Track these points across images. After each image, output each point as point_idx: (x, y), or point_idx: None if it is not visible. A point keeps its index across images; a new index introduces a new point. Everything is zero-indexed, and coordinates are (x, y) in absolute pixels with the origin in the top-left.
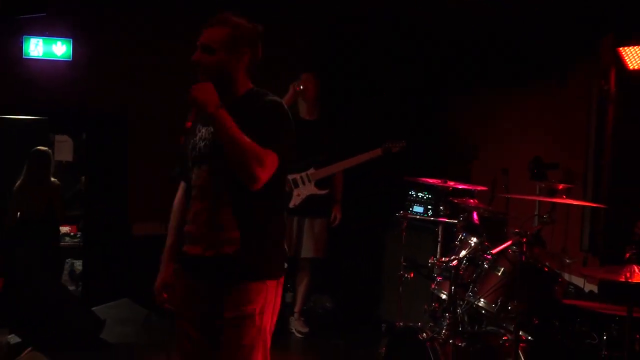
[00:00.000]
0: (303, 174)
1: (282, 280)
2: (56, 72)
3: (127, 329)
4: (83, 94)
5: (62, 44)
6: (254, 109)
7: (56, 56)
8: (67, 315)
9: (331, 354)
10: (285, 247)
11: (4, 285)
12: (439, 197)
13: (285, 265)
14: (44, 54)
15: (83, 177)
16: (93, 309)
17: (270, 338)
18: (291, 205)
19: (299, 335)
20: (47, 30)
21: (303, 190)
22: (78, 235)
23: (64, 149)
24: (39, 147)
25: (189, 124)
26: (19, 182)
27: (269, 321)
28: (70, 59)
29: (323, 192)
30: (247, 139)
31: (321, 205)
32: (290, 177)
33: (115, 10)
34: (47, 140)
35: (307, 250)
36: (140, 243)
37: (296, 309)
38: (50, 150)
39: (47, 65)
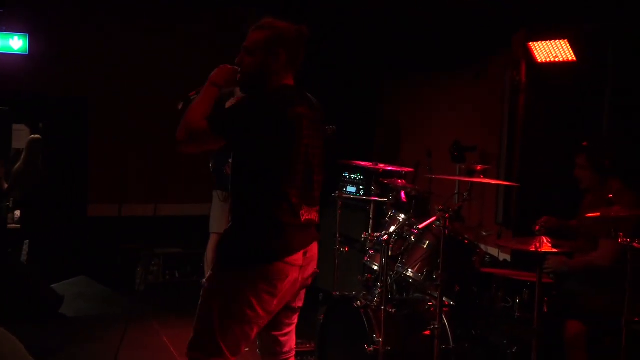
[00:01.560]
0: None
1: (250, 271)
2: (13, 65)
3: (84, 304)
4: (39, 86)
5: (19, 39)
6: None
7: (13, 50)
8: (28, 291)
9: None
10: (278, 242)
11: None
12: (370, 178)
13: (271, 261)
14: (1, 47)
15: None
16: (52, 286)
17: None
18: None
19: None
20: (4, 25)
21: None
22: None
23: (20, 137)
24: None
25: (191, 94)
26: (17, 167)
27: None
28: (27, 53)
29: None
30: (194, 109)
31: None
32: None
33: (70, 5)
34: (9, 129)
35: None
36: (95, 224)
37: None
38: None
39: (4, 58)
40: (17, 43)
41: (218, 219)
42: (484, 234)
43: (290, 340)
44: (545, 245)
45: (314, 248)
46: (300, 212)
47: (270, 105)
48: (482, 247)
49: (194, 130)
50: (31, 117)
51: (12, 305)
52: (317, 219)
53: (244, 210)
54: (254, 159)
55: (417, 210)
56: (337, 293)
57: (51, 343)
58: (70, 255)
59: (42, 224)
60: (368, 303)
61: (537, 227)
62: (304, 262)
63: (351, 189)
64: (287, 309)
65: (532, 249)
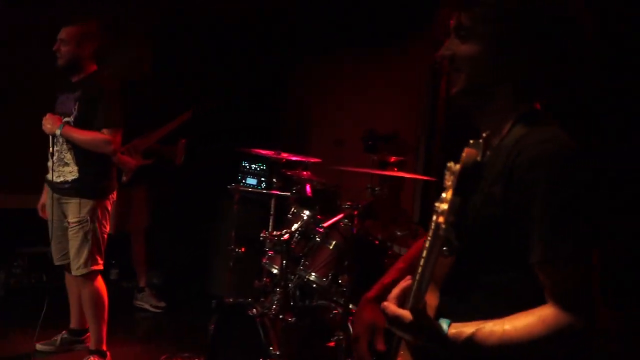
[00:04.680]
0: (129, 145)
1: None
2: None
3: None
4: None
5: None
6: (92, 90)
7: None
8: None
9: (159, 331)
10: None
11: None
12: (272, 169)
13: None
14: None
15: None
16: None
17: None
18: (125, 179)
19: (156, 310)
20: None
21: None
22: None
23: None
24: None
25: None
26: None
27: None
28: None
29: (149, 161)
30: (89, 135)
31: (145, 174)
32: None
33: None
34: None
35: (142, 220)
36: None
37: (143, 284)
38: None
39: None
40: None
41: None
42: (398, 233)
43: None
44: None
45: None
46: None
47: None
48: (396, 248)
49: (112, 140)
50: None
51: None
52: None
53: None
54: None
55: (325, 206)
56: (231, 300)
57: None
58: None
59: None
60: (265, 311)
61: None
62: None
63: (251, 180)
64: None
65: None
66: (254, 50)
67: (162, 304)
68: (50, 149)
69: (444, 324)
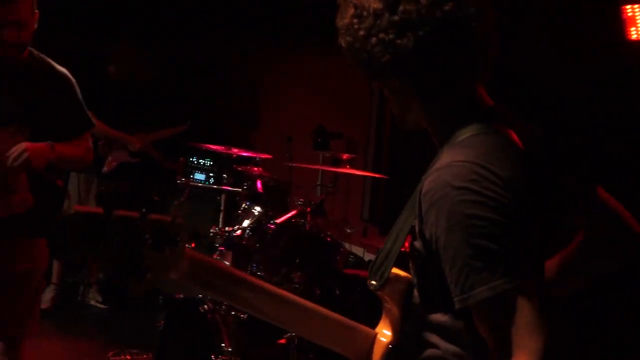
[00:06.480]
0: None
1: None
2: None
3: None
4: None
5: None
6: (44, 79)
7: None
8: None
9: (106, 327)
10: None
11: None
12: (222, 164)
13: None
14: None
15: None
16: None
17: None
18: (106, 170)
19: (103, 306)
20: None
21: (118, 156)
22: None
23: None
24: None
25: None
26: None
27: None
28: None
29: (135, 160)
30: (79, 151)
31: (129, 173)
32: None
33: None
34: None
35: None
36: None
37: (93, 280)
38: None
39: None
40: None
41: None
42: (349, 231)
43: None
44: None
45: None
46: None
47: None
48: (346, 245)
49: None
50: None
51: None
52: None
53: None
54: None
55: (275, 202)
56: (181, 296)
57: None
58: None
59: None
60: (216, 307)
61: None
62: None
63: (200, 176)
64: None
65: (402, 248)
66: (196, 35)
67: None
68: None
69: None
